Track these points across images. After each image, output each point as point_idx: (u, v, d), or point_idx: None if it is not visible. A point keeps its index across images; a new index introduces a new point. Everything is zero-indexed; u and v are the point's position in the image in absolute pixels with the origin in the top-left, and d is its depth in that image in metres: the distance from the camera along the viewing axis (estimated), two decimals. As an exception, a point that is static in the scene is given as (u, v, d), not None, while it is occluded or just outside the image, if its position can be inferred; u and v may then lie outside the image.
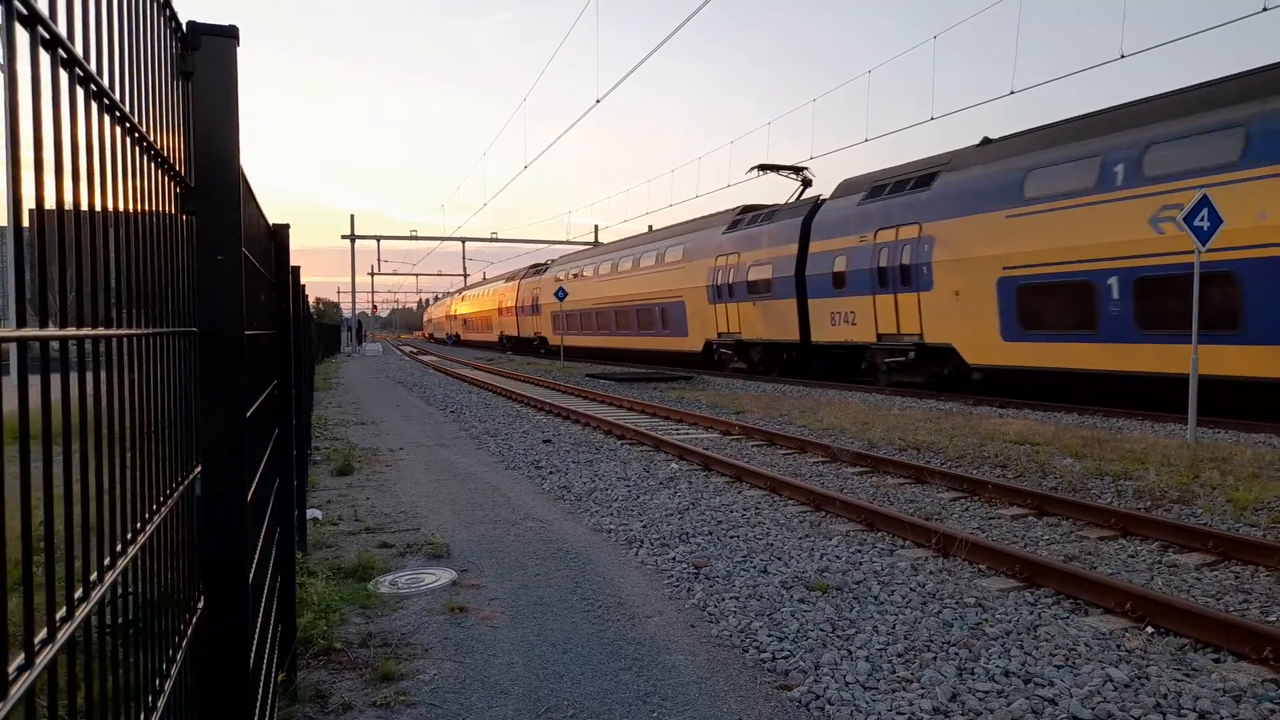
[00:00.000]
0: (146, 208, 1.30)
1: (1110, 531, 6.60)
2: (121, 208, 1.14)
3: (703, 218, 30.87)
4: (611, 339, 36.65)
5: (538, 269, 49.01)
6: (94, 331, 0.97)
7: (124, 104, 1.14)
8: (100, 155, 1.03)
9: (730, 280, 26.51)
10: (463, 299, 76.42)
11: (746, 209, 27.79)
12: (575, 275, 40.49)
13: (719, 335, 27.71)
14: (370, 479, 9.36)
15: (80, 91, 0.95)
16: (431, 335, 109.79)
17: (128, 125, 1.16)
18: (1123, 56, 14.82)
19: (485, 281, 69.12)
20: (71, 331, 0.89)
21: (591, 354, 39.47)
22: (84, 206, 0.98)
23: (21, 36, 0.77)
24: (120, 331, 1.08)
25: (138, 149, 1.24)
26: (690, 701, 3.75)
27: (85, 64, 0.94)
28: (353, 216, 54.13)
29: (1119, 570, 5.71)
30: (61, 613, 0.80)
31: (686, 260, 29.68)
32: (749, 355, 26.47)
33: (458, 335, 79.13)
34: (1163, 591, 5.13)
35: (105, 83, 1.03)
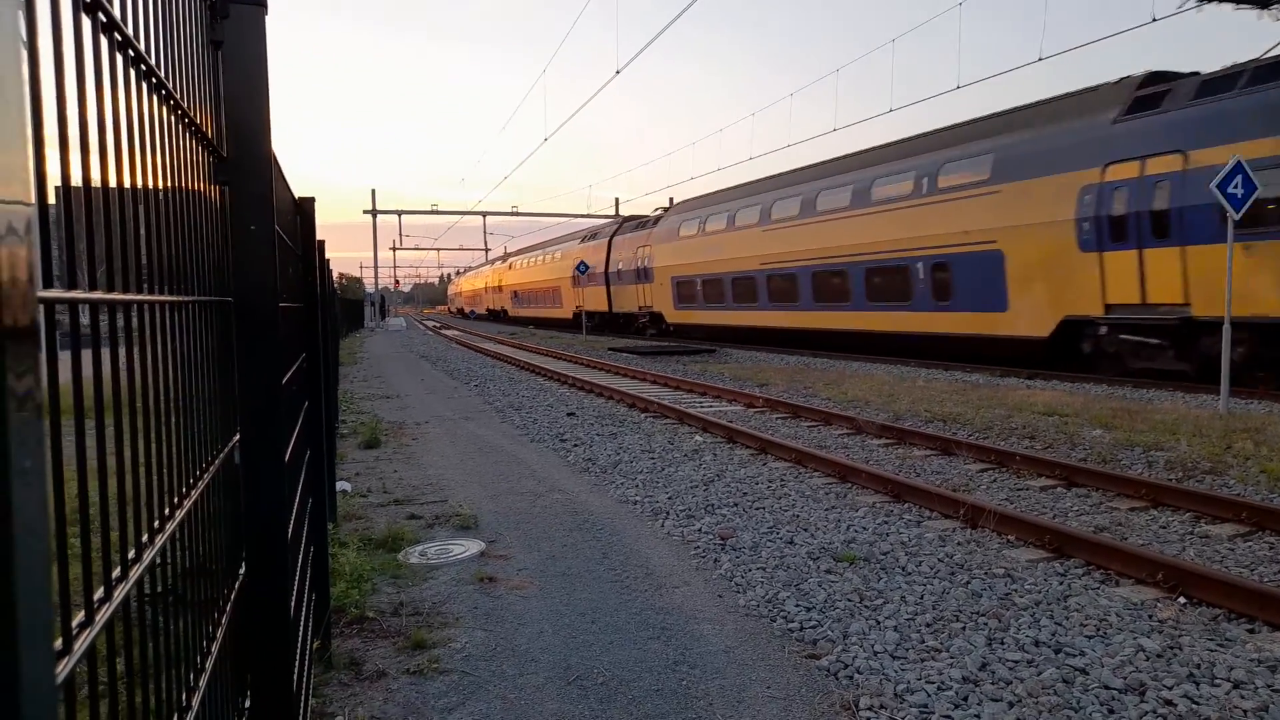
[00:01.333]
0: (182, 177, 1.30)
1: (1141, 502, 6.54)
2: (158, 177, 1.14)
3: (1011, 111, 18.04)
4: (802, 315, 23.91)
5: (639, 221, 37.08)
6: (137, 296, 0.98)
7: (160, 72, 1.14)
8: (140, 123, 1.04)
9: (1156, 204, 13.99)
10: (510, 267, 60.77)
11: (1157, 76, 15.37)
12: (719, 225, 28.15)
13: (1109, 308, 14.96)
14: (397, 452, 9.45)
15: (119, 58, 0.95)
16: (460, 310, 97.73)
17: (164, 93, 1.16)
18: (1154, 20, 14.46)
19: (545, 244, 53.61)
20: (117, 295, 0.90)
21: (754, 337, 27.07)
22: (125, 174, 0.98)
23: (65, 2, 0.77)
24: (162, 298, 1.09)
25: (173, 117, 1.24)
26: (719, 670, 3.78)
27: (125, 31, 0.94)
28: (374, 191, 54.29)
29: (1150, 541, 5.66)
30: (116, 572, 0.81)
31: (1002, 179, 16.93)
32: (1202, 346, 13.64)
33: (503, 310, 64.22)
34: (1195, 562, 5.08)
35: (143, 49, 1.03)
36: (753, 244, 25.91)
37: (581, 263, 37.43)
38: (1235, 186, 10.25)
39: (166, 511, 1.06)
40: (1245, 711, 3.30)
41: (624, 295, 36.48)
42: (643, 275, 33.86)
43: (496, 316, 68.11)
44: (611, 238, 38.23)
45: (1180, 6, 14.92)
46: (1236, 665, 3.67)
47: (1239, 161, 10.24)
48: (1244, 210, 10.30)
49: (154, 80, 1.11)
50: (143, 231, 1.05)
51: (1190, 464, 7.71)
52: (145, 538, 0.95)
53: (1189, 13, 14.24)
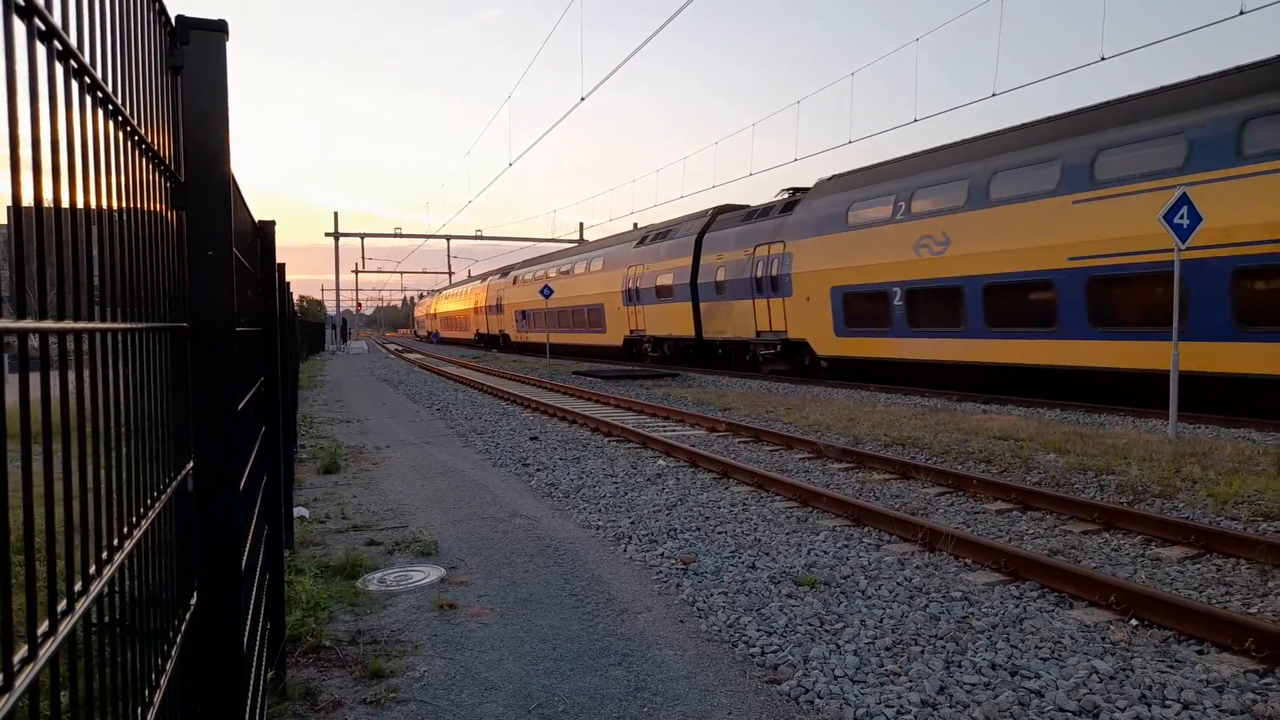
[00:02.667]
0: (138, 203, 1.29)
1: (1094, 526, 6.66)
2: (114, 202, 1.14)
3: None
4: (1206, 351, 13.00)
5: (751, 211, 25.23)
6: (88, 325, 0.97)
7: (117, 98, 1.13)
8: (95, 149, 1.03)
9: None
10: (514, 281, 48.19)
11: None
12: (950, 200, 17.43)
13: None
14: (357, 477, 9.32)
15: (75, 85, 0.94)
16: (434, 334, 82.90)
17: (120, 119, 1.16)
18: (1102, 59, 14.93)
19: (571, 252, 42.72)
20: (68, 325, 0.89)
21: (1035, 383, 16.37)
22: (78, 200, 0.98)
23: (19, 29, 0.77)
24: (114, 326, 1.07)
25: (129, 143, 1.23)
26: (680, 696, 3.76)
27: (80, 57, 0.94)
28: (336, 214, 53.85)
29: (1103, 564, 5.76)
30: (63, 605, 0.80)
31: None
32: None
33: (501, 335, 51.63)
34: (1146, 585, 5.18)
35: (99, 76, 1.03)
36: (1044, 226, 15.23)
37: (546, 288, 32.13)
38: (1181, 217, 10.57)
39: (115, 542, 1.04)
40: (1195, 732, 3.37)
41: (726, 315, 25.38)
42: (767, 286, 22.84)
43: (491, 343, 55.09)
44: (702, 234, 27.21)
45: None
46: (1186, 686, 3.74)
47: (1184, 194, 10.57)
48: (1189, 240, 10.61)
49: (110, 107, 1.10)
50: (96, 256, 1.05)
51: (1141, 488, 7.88)
52: (93, 569, 0.93)
53: (1137, 51, 14.70)
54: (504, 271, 53.74)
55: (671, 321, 28.64)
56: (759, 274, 23.48)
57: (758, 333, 23.97)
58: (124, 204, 1.20)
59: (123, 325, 1.13)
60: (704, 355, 28.10)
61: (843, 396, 17.56)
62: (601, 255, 35.52)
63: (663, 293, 28.88)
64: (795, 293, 21.87)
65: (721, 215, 27.35)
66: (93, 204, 1.03)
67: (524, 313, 45.51)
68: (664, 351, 29.81)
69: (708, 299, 26.34)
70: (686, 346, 28.55)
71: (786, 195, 24.41)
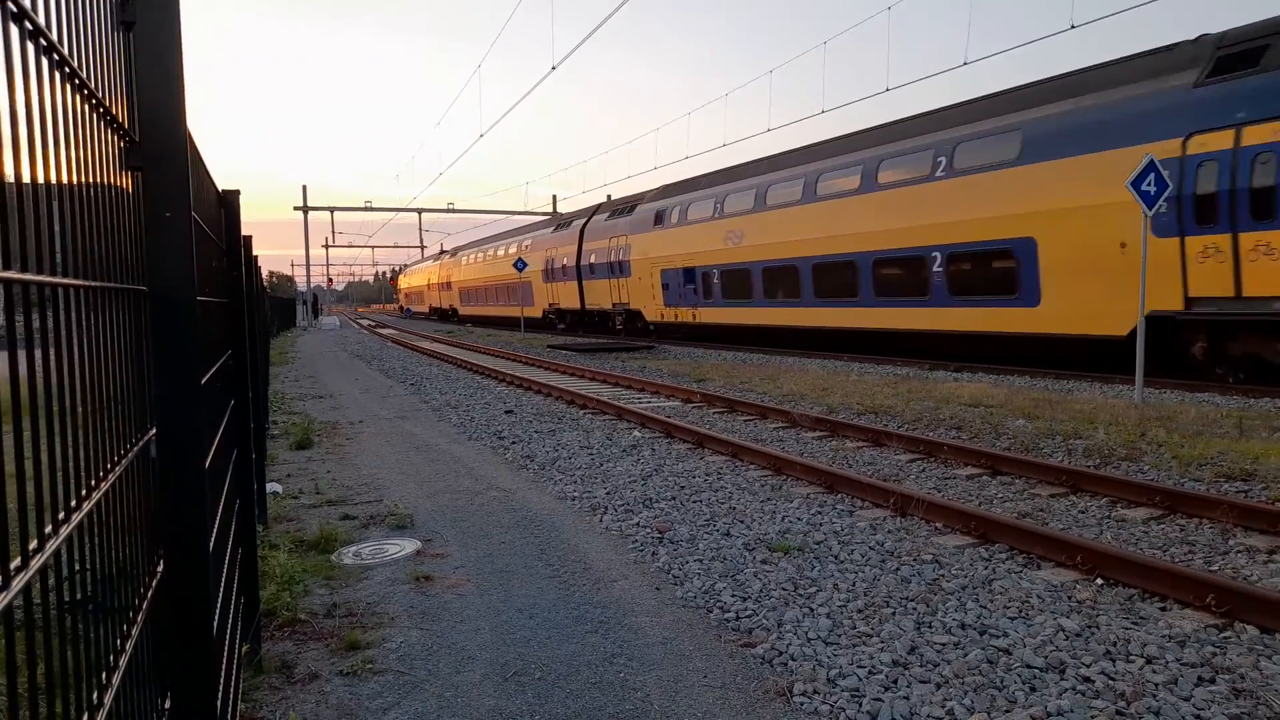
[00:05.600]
0: (88, 160, 1.25)
1: (1061, 489, 6.78)
2: (61, 159, 1.10)
3: None
4: None
5: None
6: (42, 278, 0.94)
7: (63, 48, 1.10)
8: (40, 103, 0.99)
9: None
10: (659, 221, 27.71)
11: None
12: None
13: None
14: (330, 452, 9.26)
15: (15, 30, 0.91)
16: (444, 309, 62.31)
17: (67, 70, 1.12)
18: (1073, 27, 14.97)
19: (826, 153, 20.59)
20: (14, 274, 0.86)
21: None
22: (20, 155, 0.94)
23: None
24: (70, 281, 1.05)
25: (78, 97, 1.19)
26: (656, 661, 3.80)
27: (20, 1, 0.90)
28: (305, 187, 53.02)
29: (1070, 525, 5.87)
30: (16, 563, 0.78)
31: None
32: None
33: (622, 313, 30.81)
34: (1112, 544, 5.29)
35: (40, 21, 0.99)
36: None
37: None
38: (1148, 184, 10.67)
39: (74, 502, 1.02)
40: (1157, 685, 3.46)
41: None
42: None
43: (590, 324, 34.39)
44: None
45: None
46: (1150, 642, 3.84)
47: (1151, 160, 10.67)
48: (1156, 208, 10.72)
49: (56, 57, 1.07)
50: (44, 216, 1.01)
51: (1108, 451, 8.02)
52: (49, 528, 0.91)
53: (1107, 19, 14.75)
54: (620, 209, 31.33)
55: None
56: None
57: None
58: (73, 162, 1.16)
59: (79, 282, 1.10)
60: None
61: (817, 366, 17.66)
62: (1011, 133, 15.53)
63: None
64: None
65: None
66: (38, 161, 0.99)
67: (689, 272, 25.90)
68: None
69: None
70: None
71: None
